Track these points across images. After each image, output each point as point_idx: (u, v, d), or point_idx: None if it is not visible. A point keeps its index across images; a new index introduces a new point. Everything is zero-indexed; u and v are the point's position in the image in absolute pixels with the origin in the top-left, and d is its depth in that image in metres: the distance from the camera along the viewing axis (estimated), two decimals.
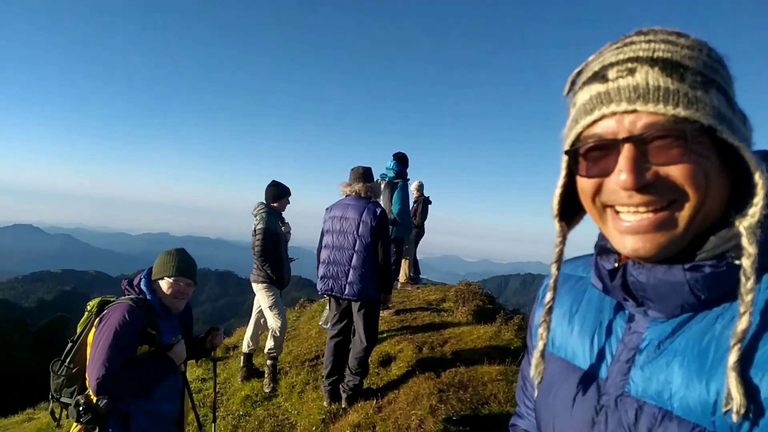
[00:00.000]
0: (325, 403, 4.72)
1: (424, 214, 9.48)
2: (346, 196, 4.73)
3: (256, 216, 5.42)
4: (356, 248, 4.51)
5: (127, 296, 2.80)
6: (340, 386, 4.70)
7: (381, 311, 5.35)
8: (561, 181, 0.83)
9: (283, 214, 5.69)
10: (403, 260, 8.40)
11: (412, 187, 9.47)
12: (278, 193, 5.58)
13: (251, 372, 5.72)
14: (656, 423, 0.71)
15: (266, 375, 5.45)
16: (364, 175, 4.74)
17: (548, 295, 0.89)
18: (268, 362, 5.44)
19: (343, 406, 4.64)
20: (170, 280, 2.80)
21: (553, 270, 0.89)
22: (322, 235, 4.75)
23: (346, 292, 4.52)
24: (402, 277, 8.72)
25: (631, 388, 0.76)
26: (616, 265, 0.80)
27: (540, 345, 0.88)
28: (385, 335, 6.06)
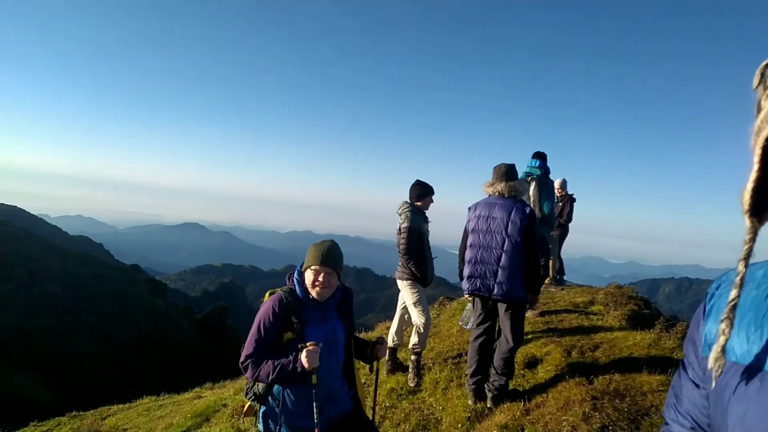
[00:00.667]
0: (470, 402, 4.70)
1: (570, 212, 9.04)
2: (491, 194, 4.66)
3: (401, 215, 5.55)
4: (505, 248, 4.43)
5: (282, 288, 3.06)
6: (485, 386, 4.65)
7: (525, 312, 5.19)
8: (754, 175, 0.79)
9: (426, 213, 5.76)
10: (550, 260, 8.10)
11: (556, 185, 9.06)
12: (422, 192, 5.65)
13: (396, 366, 5.88)
14: None
15: (411, 369, 5.57)
16: (507, 173, 4.64)
17: (733, 292, 0.85)
18: (413, 357, 5.55)
19: (488, 405, 4.58)
20: (311, 270, 2.94)
21: (741, 267, 0.85)
22: (466, 234, 4.72)
23: (494, 292, 4.46)
24: (546, 278, 8.40)
25: None
26: None
27: (721, 340, 0.84)
28: (530, 337, 5.87)
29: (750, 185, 0.80)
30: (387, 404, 5.19)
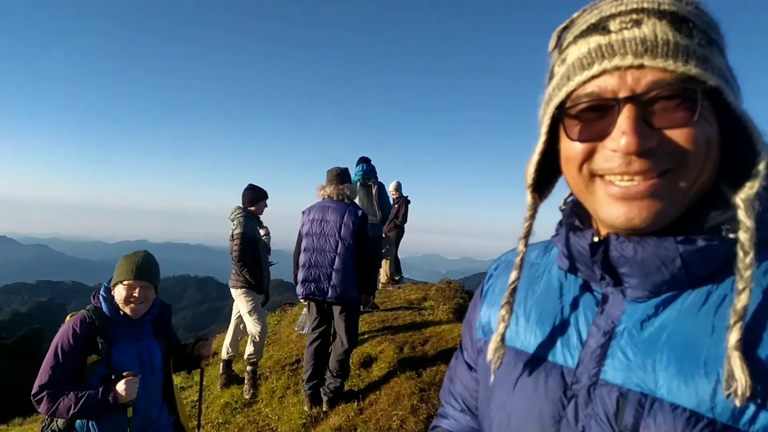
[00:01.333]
0: (306, 408, 4.67)
1: (405, 213, 9.47)
2: (324, 198, 4.69)
3: (233, 220, 5.35)
4: (338, 251, 4.47)
5: (86, 307, 2.74)
6: (321, 389, 4.65)
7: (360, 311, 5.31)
8: (539, 147, 0.73)
9: (261, 217, 5.62)
10: (383, 261, 8.39)
11: (391, 188, 9.45)
12: (255, 196, 5.50)
13: (231, 378, 5.64)
14: (644, 412, 0.62)
15: (246, 381, 5.38)
16: (340, 176, 4.70)
17: (513, 274, 0.79)
18: (248, 368, 5.37)
19: (324, 409, 4.60)
20: (123, 285, 2.70)
21: (521, 247, 0.79)
22: (300, 238, 4.69)
23: (329, 295, 4.48)
24: (383, 277, 8.70)
25: (608, 375, 0.67)
26: (596, 240, 0.71)
27: (501, 328, 0.77)
28: (366, 336, 6.03)
29: (535, 158, 0.74)
30: (220, 420, 4.96)
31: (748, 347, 0.58)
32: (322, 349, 4.65)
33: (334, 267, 4.47)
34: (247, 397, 5.25)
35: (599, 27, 0.64)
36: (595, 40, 0.64)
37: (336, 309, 4.57)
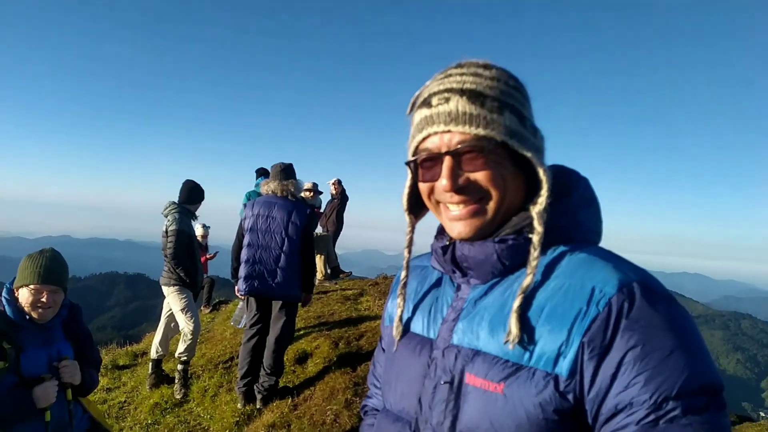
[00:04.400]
0: (239, 406, 4.62)
1: (343, 209, 9.49)
2: (268, 194, 4.64)
3: (167, 216, 5.18)
4: (284, 249, 4.44)
5: None
6: (255, 387, 4.62)
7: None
8: (408, 182, 1.03)
9: (199, 213, 5.50)
10: (317, 257, 8.38)
11: (331, 182, 9.44)
12: (195, 194, 5.37)
13: (161, 378, 5.48)
14: (468, 360, 0.89)
15: (177, 380, 5.25)
16: (284, 171, 4.67)
17: (402, 273, 1.09)
18: (179, 367, 5.25)
19: (258, 407, 4.57)
20: (29, 289, 2.54)
21: (405, 253, 1.10)
22: (242, 233, 4.63)
23: (272, 292, 4.45)
24: (318, 274, 8.69)
25: (455, 340, 0.94)
26: (448, 243, 1.01)
27: (398, 312, 1.07)
28: (301, 332, 6.02)
29: (406, 191, 1.04)
30: (149, 421, 4.81)
31: (524, 311, 0.86)
32: (259, 346, 4.61)
33: (279, 265, 4.44)
34: (178, 396, 5.13)
35: (426, 102, 0.92)
36: (423, 112, 0.92)
37: (276, 305, 4.56)
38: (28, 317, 2.56)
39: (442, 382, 0.92)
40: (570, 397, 0.81)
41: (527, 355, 0.84)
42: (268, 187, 4.67)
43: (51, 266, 2.58)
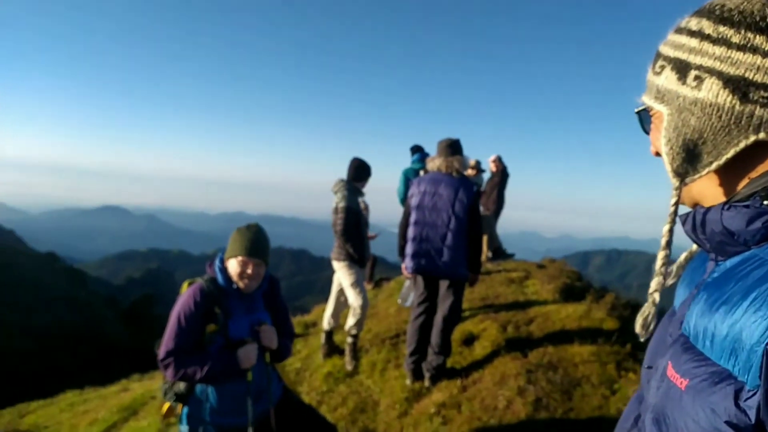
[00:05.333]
0: (407, 382, 4.64)
1: (502, 187, 9.15)
2: (434, 170, 4.56)
3: (336, 193, 5.36)
4: (450, 226, 4.35)
5: (202, 277, 2.83)
6: (423, 365, 4.60)
7: None
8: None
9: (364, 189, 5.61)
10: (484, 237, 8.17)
11: (490, 160, 9.14)
12: (363, 172, 5.49)
13: (332, 349, 5.74)
14: (683, 353, 0.76)
15: (347, 353, 5.44)
16: (450, 147, 4.55)
17: (661, 254, 0.90)
18: (349, 340, 5.43)
19: (426, 385, 4.54)
20: (237, 260, 2.75)
21: (666, 228, 0.88)
22: (409, 210, 4.61)
23: (439, 270, 4.39)
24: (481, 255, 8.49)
25: (684, 325, 0.81)
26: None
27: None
28: (467, 314, 5.89)
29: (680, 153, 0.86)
30: (323, 389, 5.05)
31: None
32: (427, 324, 4.57)
33: (446, 243, 4.35)
34: (348, 368, 5.31)
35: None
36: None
37: (443, 284, 4.48)
38: (235, 286, 2.76)
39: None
40: (751, 414, 0.64)
41: (725, 353, 0.69)
42: (434, 163, 4.57)
43: (256, 241, 2.78)
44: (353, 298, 5.33)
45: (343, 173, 5.55)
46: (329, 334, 5.78)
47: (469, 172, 7.85)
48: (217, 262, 2.84)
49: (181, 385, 2.73)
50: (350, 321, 5.37)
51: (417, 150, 7.89)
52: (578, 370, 4.34)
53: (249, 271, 2.74)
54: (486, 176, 9.15)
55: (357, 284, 5.32)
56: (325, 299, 6.17)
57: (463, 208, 4.32)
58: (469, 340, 5.21)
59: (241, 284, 2.76)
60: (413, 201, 4.57)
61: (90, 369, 30.21)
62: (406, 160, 7.83)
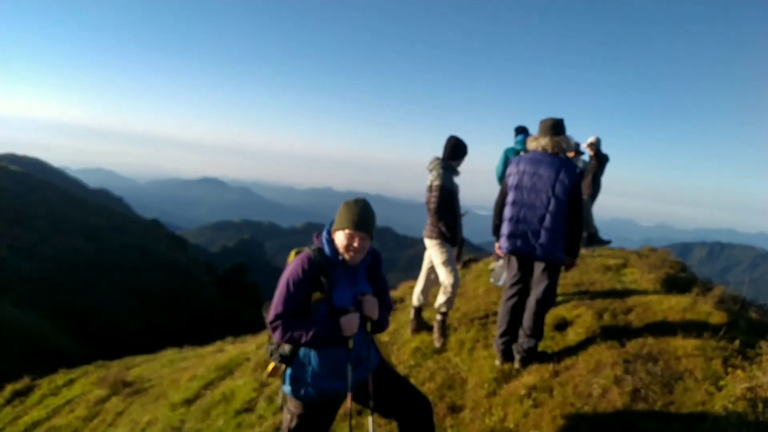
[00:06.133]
0: (497, 362, 4.62)
1: (599, 171, 8.75)
2: (536, 150, 4.45)
3: (431, 171, 5.37)
4: (549, 208, 4.25)
5: (310, 247, 2.95)
6: (514, 347, 4.56)
7: None
8: None
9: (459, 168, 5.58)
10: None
11: (590, 141, 8.76)
12: (459, 151, 5.45)
13: (421, 325, 5.81)
14: None
15: (436, 329, 5.50)
16: (554, 127, 4.41)
17: None
18: (438, 317, 5.47)
19: (516, 366, 4.50)
20: (343, 233, 2.84)
21: None
22: (505, 190, 4.54)
23: (535, 252, 4.31)
24: None
25: None
26: None
27: None
28: (560, 299, 5.74)
29: None
30: (411, 363, 5.15)
31: None
32: (519, 306, 4.52)
33: (544, 225, 4.26)
34: (437, 345, 5.37)
35: None
36: None
37: (538, 267, 4.39)
38: (341, 258, 2.87)
39: None
40: None
41: None
42: (537, 143, 4.45)
43: (363, 215, 2.87)
44: (444, 276, 5.35)
45: (432, 152, 5.55)
46: (418, 310, 5.85)
47: (570, 154, 7.56)
48: (324, 234, 2.95)
49: (287, 348, 2.89)
50: (440, 298, 5.40)
51: (521, 131, 7.70)
52: (681, 363, 4.12)
53: (355, 244, 2.83)
54: (584, 159, 8.79)
55: (449, 262, 5.33)
56: (408, 276, 6.24)
57: (564, 190, 4.19)
58: (562, 326, 5.09)
59: (346, 256, 2.86)
60: (511, 180, 4.49)
61: (187, 329, 32.53)
62: (498, 141, 7.69)
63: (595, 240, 8.52)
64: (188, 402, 6.59)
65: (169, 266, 47.04)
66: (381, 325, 3.08)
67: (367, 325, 2.97)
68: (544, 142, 4.36)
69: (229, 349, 9.89)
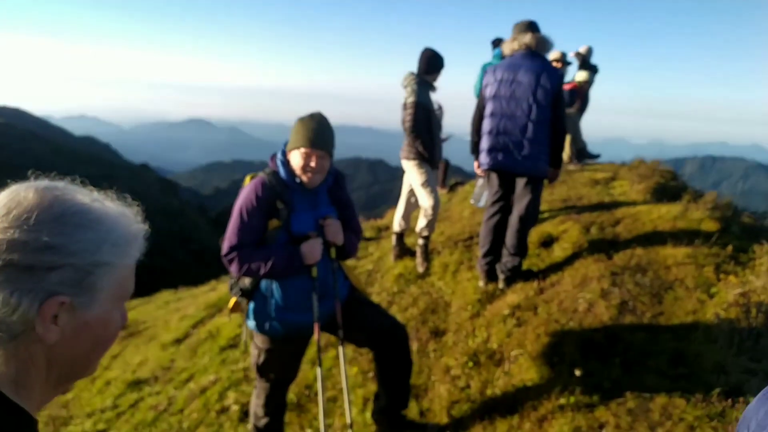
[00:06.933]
0: (480, 283, 4.46)
1: (589, 83, 8.34)
2: (514, 52, 4.08)
3: (406, 87, 5.00)
4: (531, 117, 3.92)
5: (264, 171, 2.66)
6: (497, 267, 4.37)
7: None
8: None
9: (433, 94, 5.19)
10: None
11: (573, 54, 8.29)
12: (435, 63, 5.05)
13: (403, 251, 5.62)
14: None
15: (418, 254, 5.30)
16: (532, 25, 4.03)
17: None
18: (420, 242, 5.27)
19: (500, 287, 4.34)
20: (299, 152, 2.55)
21: None
22: (483, 102, 4.21)
23: (517, 165, 4.03)
24: (563, 156, 7.91)
25: None
26: None
27: None
28: (545, 215, 5.53)
29: None
30: (395, 290, 4.99)
31: None
32: (502, 224, 4.29)
33: (526, 135, 3.95)
34: (420, 270, 5.19)
35: None
36: None
37: (520, 182, 4.13)
38: (298, 180, 2.58)
39: None
40: None
41: None
42: (515, 42, 4.08)
43: (320, 131, 2.56)
44: (424, 199, 5.11)
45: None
46: (400, 235, 5.64)
47: (556, 65, 7.14)
48: (279, 155, 2.66)
49: (246, 281, 2.67)
50: (421, 222, 5.18)
51: (498, 43, 7.24)
52: (671, 272, 3.96)
53: (312, 163, 2.54)
54: (571, 70, 8.35)
55: (427, 184, 5.06)
56: None
57: (546, 95, 3.87)
58: (548, 242, 4.90)
59: (304, 178, 2.57)
60: (488, 91, 4.15)
61: (184, 271, 32.77)
62: (481, 58, 7.25)
63: (583, 155, 8.24)
64: (178, 341, 6.52)
65: (163, 210, 46.95)
66: (347, 250, 2.84)
67: (330, 251, 2.73)
68: (526, 39, 3.99)
69: (222, 287, 9.83)
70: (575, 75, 8.27)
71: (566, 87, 7.80)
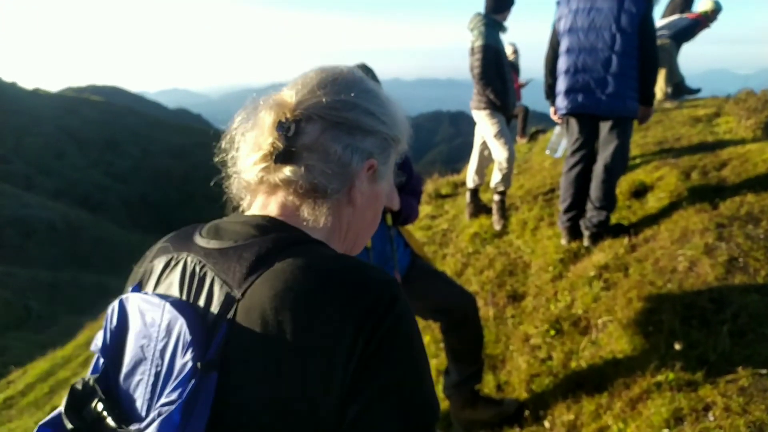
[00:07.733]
0: (563, 241, 4.08)
1: (687, 6, 7.33)
2: None
3: (473, 30, 4.59)
4: (615, 48, 3.43)
5: None
6: (581, 222, 3.96)
7: None
8: None
9: (504, 36, 4.72)
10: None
11: None
12: (503, 1, 4.59)
13: (479, 208, 5.30)
14: None
15: (495, 211, 4.97)
16: None
17: None
18: (496, 198, 4.92)
19: (585, 244, 3.94)
20: None
21: None
22: (556, 38, 3.75)
23: (601, 106, 3.57)
24: (658, 92, 7.05)
25: None
26: None
27: None
28: (637, 161, 4.97)
29: None
30: (470, 250, 4.72)
31: None
32: (585, 175, 3.85)
33: (610, 70, 3.47)
34: (497, 228, 4.87)
35: None
36: None
37: (605, 125, 3.66)
38: None
39: None
40: None
41: None
42: None
43: None
44: (497, 151, 4.74)
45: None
46: (474, 192, 5.32)
47: None
48: None
49: None
50: (496, 177, 4.82)
51: None
52: None
53: None
54: None
55: (501, 135, 4.68)
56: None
57: (632, 21, 3.34)
58: (641, 192, 4.38)
59: None
60: (562, 24, 3.67)
61: None
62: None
63: (681, 90, 7.32)
64: None
65: None
66: (406, 214, 2.58)
67: (387, 217, 2.50)
68: None
69: None
70: (697, 3, 7.26)
71: (690, 17, 6.91)
